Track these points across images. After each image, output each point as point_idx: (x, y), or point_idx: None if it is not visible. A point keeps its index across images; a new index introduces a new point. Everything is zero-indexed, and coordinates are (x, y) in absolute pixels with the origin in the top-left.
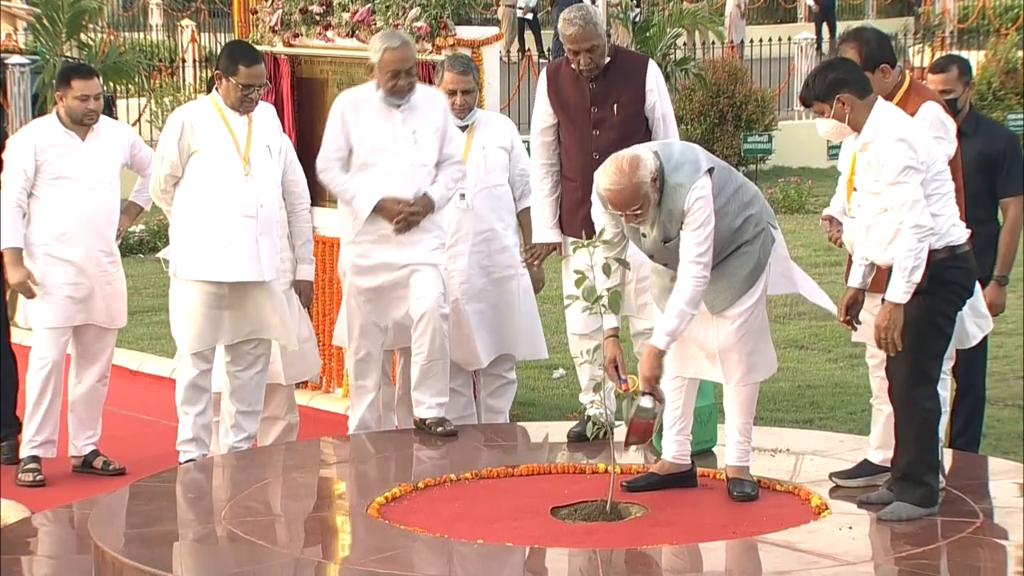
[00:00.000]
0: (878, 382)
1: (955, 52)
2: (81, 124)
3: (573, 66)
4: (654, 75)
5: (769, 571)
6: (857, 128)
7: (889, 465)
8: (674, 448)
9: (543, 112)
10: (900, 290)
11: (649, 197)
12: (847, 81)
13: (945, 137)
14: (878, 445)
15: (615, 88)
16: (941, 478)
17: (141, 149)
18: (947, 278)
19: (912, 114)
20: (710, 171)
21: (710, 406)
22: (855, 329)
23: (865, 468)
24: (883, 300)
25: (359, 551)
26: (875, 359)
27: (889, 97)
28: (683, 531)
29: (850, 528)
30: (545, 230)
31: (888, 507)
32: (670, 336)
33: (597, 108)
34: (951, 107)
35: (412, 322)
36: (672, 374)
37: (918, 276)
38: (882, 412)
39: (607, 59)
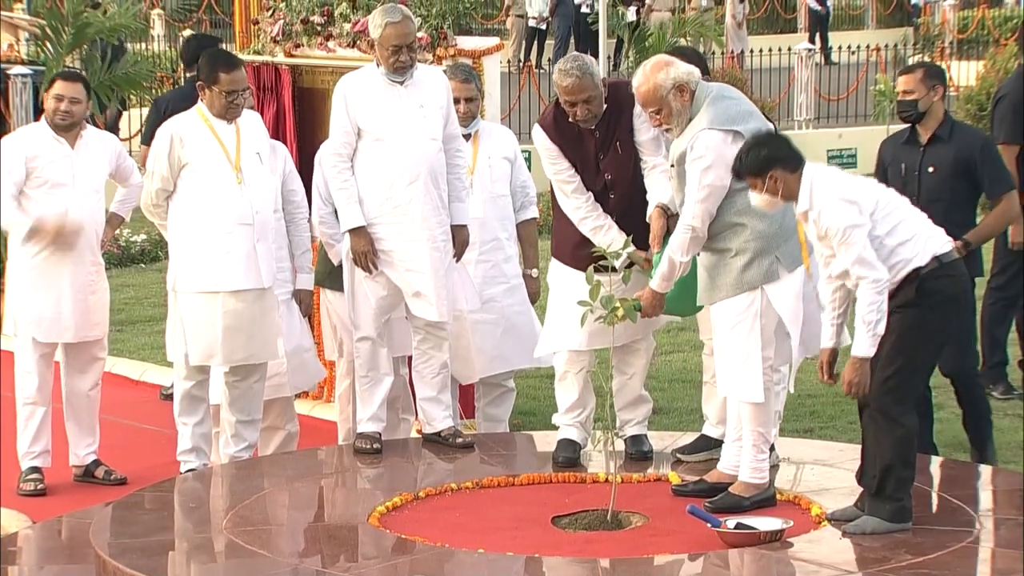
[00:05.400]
0: (711, 362)
1: (955, 62)
2: (56, 127)
3: (570, 119)
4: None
5: None
6: (792, 198)
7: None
8: (729, 459)
9: (561, 169)
10: (866, 344)
11: (669, 104)
12: (778, 159)
13: None
14: (716, 421)
15: (612, 127)
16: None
17: (125, 159)
18: (935, 288)
19: None
20: (738, 135)
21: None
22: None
23: (703, 443)
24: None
25: (360, 561)
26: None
27: None
28: (684, 540)
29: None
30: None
31: (855, 521)
32: (663, 279)
33: (604, 154)
34: (911, 108)
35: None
36: (721, 393)
37: (881, 328)
38: (714, 390)
39: (604, 106)
